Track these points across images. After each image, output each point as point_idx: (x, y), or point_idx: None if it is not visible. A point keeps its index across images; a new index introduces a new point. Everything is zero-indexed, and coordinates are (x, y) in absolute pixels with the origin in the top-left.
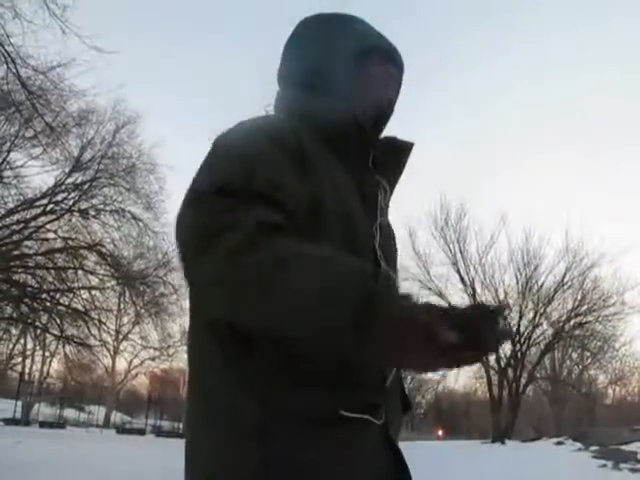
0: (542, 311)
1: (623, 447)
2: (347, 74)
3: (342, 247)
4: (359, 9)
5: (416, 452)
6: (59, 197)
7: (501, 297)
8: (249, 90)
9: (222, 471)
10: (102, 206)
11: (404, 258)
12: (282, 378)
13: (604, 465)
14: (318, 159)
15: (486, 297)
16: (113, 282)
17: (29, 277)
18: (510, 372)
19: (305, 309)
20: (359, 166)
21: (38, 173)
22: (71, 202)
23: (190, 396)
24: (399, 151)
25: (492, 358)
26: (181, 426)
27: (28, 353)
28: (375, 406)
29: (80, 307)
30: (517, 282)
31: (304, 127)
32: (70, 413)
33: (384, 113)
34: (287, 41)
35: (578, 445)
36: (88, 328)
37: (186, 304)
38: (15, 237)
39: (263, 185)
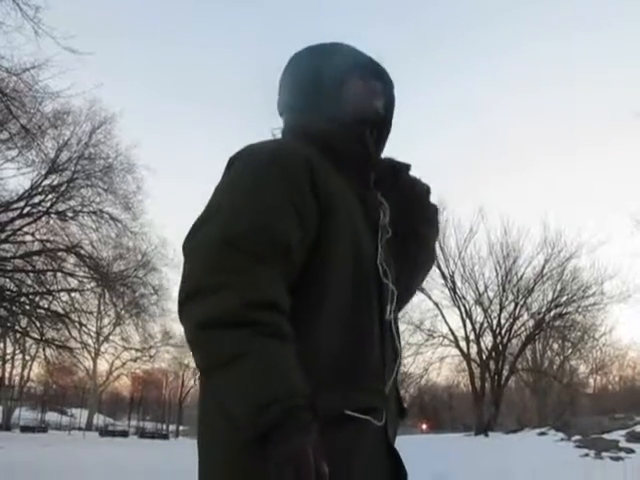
0: (522, 303)
1: (605, 436)
2: (336, 94)
3: (350, 265)
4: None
5: (401, 447)
6: (36, 199)
7: (481, 290)
8: (228, 89)
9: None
10: (80, 207)
11: None
12: None
13: (586, 454)
14: (329, 182)
15: (466, 290)
16: (93, 284)
17: (7, 280)
18: (492, 364)
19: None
20: (362, 184)
21: (14, 175)
22: (48, 204)
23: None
24: (397, 172)
25: (474, 351)
26: (164, 427)
27: (8, 357)
28: (376, 409)
29: (60, 310)
30: (497, 275)
31: (313, 149)
32: (52, 417)
33: (378, 129)
34: (282, 74)
35: (560, 435)
36: (68, 331)
37: (166, 304)
38: None
39: (273, 242)
